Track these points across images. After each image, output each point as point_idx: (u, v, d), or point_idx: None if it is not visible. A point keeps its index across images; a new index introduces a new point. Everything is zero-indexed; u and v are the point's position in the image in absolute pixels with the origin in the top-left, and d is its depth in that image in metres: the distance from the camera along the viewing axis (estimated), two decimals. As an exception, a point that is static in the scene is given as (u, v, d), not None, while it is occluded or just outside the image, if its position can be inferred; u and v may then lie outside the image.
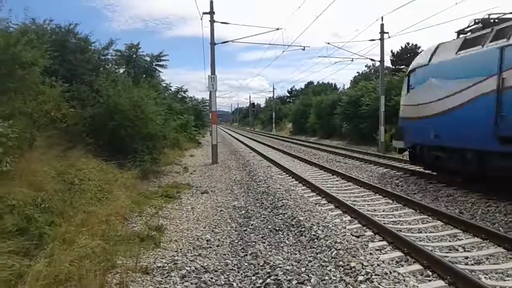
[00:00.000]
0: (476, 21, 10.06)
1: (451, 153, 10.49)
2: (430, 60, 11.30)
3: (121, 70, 18.16)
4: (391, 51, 50.59)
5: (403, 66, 46.28)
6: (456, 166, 10.34)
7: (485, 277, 4.91)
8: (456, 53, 9.94)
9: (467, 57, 9.51)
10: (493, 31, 8.94)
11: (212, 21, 19.17)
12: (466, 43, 9.83)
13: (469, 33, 10.16)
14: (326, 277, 4.92)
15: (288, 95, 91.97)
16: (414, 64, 12.64)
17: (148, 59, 21.17)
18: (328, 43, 39.35)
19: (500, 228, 7.05)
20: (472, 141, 9.31)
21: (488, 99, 8.50)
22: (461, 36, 10.51)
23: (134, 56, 19.84)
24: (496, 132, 8.32)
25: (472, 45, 9.48)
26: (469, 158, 9.66)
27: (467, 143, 9.56)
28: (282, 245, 6.47)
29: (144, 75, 19.04)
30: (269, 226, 7.60)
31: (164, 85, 24.33)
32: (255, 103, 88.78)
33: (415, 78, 12.25)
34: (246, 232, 7.40)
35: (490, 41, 8.79)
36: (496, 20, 9.61)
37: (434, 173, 12.03)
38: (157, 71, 22.04)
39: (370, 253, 5.54)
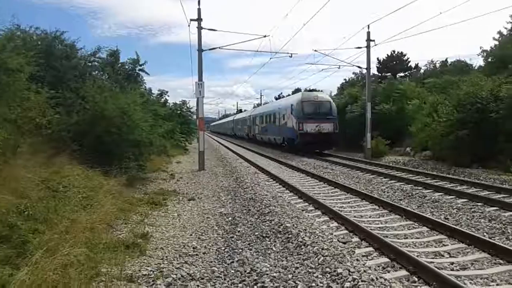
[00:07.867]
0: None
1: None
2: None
3: (106, 76, 18.01)
4: (377, 58, 51.24)
5: (388, 74, 46.93)
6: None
7: (470, 283, 4.97)
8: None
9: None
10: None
11: (199, 28, 19.18)
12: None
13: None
14: (313, 284, 4.93)
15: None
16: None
17: (129, 66, 20.89)
18: (315, 50, 39.69)
19: (485, 234, 7.15)
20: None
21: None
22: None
23: (116, 61, 19.60)
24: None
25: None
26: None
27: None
28: (269, 252, 6.45)
29: (127, 81, 18.82)
30: (256, 233, 7.58)
31: (147, 88, 24.11)
32: (242, 110, 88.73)
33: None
34: (233, 239, 7.36)
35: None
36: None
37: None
38: (140, 76, 21.80)
39: (357, 259, 5.56)
